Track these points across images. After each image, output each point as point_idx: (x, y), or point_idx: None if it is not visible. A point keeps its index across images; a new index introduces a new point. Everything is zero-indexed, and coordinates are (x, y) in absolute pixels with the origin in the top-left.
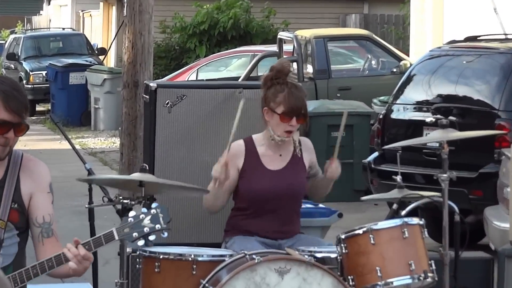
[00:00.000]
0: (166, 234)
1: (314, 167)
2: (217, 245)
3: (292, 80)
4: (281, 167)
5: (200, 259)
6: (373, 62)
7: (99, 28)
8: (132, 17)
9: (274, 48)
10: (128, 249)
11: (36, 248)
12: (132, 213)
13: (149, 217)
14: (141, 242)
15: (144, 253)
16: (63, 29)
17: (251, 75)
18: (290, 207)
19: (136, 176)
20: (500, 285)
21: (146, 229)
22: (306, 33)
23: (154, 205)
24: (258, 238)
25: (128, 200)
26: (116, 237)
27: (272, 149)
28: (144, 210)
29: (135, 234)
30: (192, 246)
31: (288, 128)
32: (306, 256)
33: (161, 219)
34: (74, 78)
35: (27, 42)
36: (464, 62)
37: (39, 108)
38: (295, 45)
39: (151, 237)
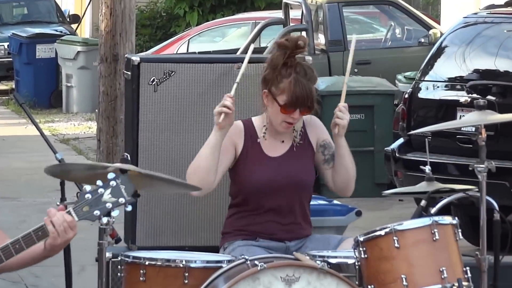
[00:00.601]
0: (130, 207)
1: (328, 147)
2: (213, 249)
3: (303, 61)
4: (282, 152)
5: (193, 265)
6: (397, 31)
7: None
8: None
9: (279, 14)
10: (108, 254)
11: None
12: (87, 188)
13: (109, 190)
14: (104, 220)
15: (127, 258)
16: None
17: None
18: (296, 199)
19: (116, 168)
20: None
21: (108, 205)
22: None
23: (111, 176)
24: (262, 242)
25: None
26: (76, 218)
27: (272, 134)
28: (100, 183)
29: (96, 212)
30: (183, 250)
31: (289, 119)
32: (318, 262)
33: (123, 190)
34: (42, 51)
35: None
36: (505, 31)
37: (0, 86)
38: (304, 11)
39: (114, 213)
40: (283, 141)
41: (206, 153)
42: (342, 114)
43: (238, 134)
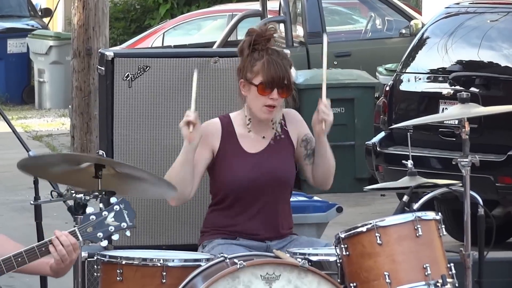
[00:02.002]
0: (128, 232)
1: (310, 142)
2: (191, 248)
3: (275, 46)
4: (261, 148)
5: (170, 264)
6: (377, 22)
7: None
8: None
9: (256, 6)
10: (84, 254)
11: None
12: (90, 210)
13: (112, 214)
14: (104, 243)
15: (103, 258)
16: None
17: (228, 40)
18: (277, 197)
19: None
20: None
21: (111, 228)
22: None
23: (114, 199)
24: (243, 242)
25: (82, 195)
26: (80, 238)
27: (252, 129)
28: (101, 206)
29: (99, 235)
30: (160, 249)
31: (269, 101)
32: (299, 260)
33: (125, 215)
34: (13, 46)
35: None
36: (488, 21)
37: None
38: (282, 2)
39: (114, 237)
40: (264, 137)
41: (179, 170)
42: (328, 110)
43: (214, 133)
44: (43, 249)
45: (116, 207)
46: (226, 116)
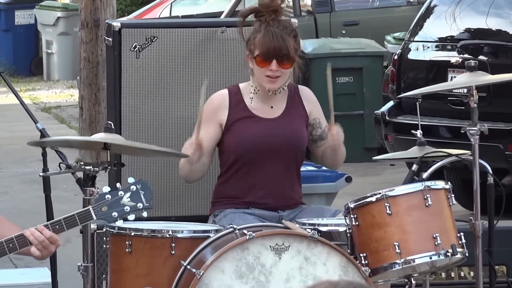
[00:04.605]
0: (145, 213)
1: (316, 127)
2: (201, 219)
3: (278, 16)
4: (275, 116)
5: (179, 235)
6: None
7: None
8: None
9: None
10: (93, 226)
11: None
12: (106, 189)
13: (128, 194)
14: (119, 223)
15: (112, 230)
16: None
17: (236, 10)
18: (288, 164)
19: (100, 137)
20: None
21: (126, 208)
22: None
23: (131, 180)
24: (255, 211)
25: (91, 167)
26: (94, 217)
27: (261, 99)
28: (119, 185)
29: (114, 214)
30: (169, 220)
31: (268, 72)
32: (309, 231)
33: (142, 196)
34: (21, 17)
35: None
36: None
37: None
38: None
39: (130, 217)
40: (272, 107)
41: (188, 165)
42: (338, 137)
43: (221, 106)
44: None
45: (133, 187)
46: (235, 86)
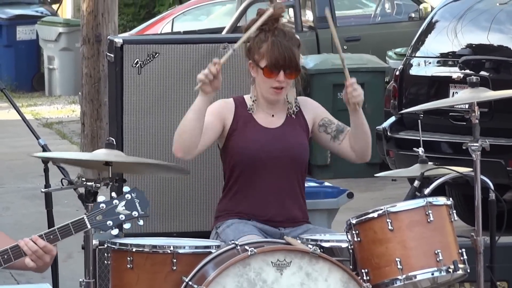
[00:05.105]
0: (141, 222)
1: (329, 124)
2: (203, 235)
3: (283, 27)
4: (277, 125)
5: (181, 251)
6: (386, 6)
7: None
8: None
9: None
10: (95, 241)
11: None
12: (102, 198)
13: (123, 202)
14: (115, 232)
15: (114, 246)
16: None
17: (238, 26)
18: (290, 176)
19: (101, 154)
20: None
21: (121, 217)
22: None
23: (126, 189)
24: (257, 224)
25: (93, 183)
26: (88, 226)
27: (263, 108)
28: (114, 195)
29: (109, 223)
30: (171, 236)
31: (276, 84)
32: (310, 246)
33: (137, 204)
34: (23, 33)
35: None
36: (498, 4)
37: None
38: None
39: (126, 225)
40: (273, 115)
41: (191, 117)
42: (355, 91)
43: (229, 109)
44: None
45: (128, 196)
46: (239, 97)
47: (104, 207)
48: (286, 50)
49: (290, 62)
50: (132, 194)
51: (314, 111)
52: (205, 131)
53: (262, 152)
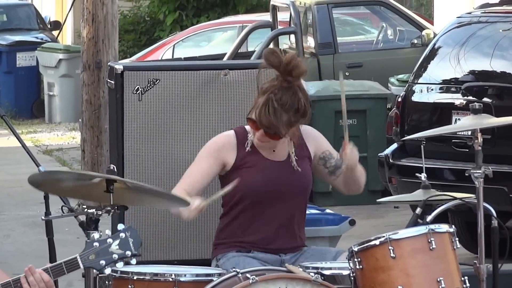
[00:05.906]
0: (134, 260)
1: (328, 159)
2: (204, 263)
3: (293, 79)
4: (282, 159)
5: (182, 279)
6: (388, 32)
7: None
8: None
9: (266, 17)
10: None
11: None
12: (96, 236)
13: (117, 241)
14: (107, 271)
15: (114, 274)
16: None
17: (239, 52)
18: (294, 207)
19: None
20: None
21: (114, 256)
22: None
23: (121, 227)
24: (257, 255)
25: (94, 210)
26: (81, 266)
27: (265, 141)
28: (108, 233)
29: (102, 262)
30: (172, 264)
31: (258, 135)
32: (312, 274)
33: (131, 244)
34: (23, 59)
35: None
36: (500, 30)
37: None
38: (293, 13)
39: (119, 265)
40: (274, 150)
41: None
42: (351, 156)
43: (228, 146)
44: (19, 284)
45: (122, 235)
46: (241, 127)
47: (98, 245)
48: (270, 118)
49: (271, 129)
50: (126, 233)
51: (316, 142)
52: (204, 176)
53: (270, 186)
